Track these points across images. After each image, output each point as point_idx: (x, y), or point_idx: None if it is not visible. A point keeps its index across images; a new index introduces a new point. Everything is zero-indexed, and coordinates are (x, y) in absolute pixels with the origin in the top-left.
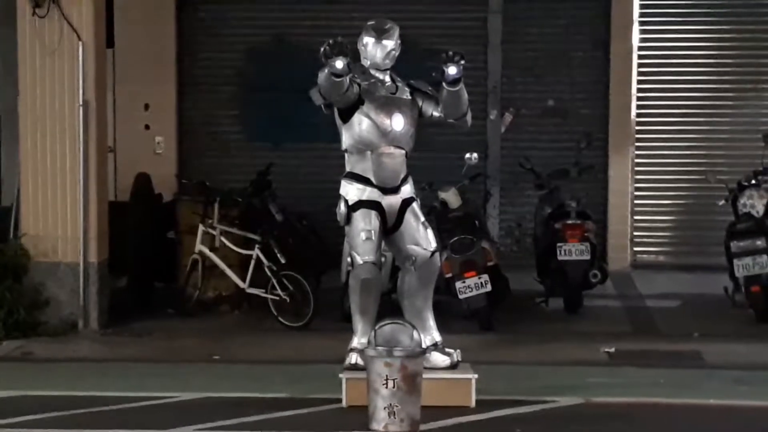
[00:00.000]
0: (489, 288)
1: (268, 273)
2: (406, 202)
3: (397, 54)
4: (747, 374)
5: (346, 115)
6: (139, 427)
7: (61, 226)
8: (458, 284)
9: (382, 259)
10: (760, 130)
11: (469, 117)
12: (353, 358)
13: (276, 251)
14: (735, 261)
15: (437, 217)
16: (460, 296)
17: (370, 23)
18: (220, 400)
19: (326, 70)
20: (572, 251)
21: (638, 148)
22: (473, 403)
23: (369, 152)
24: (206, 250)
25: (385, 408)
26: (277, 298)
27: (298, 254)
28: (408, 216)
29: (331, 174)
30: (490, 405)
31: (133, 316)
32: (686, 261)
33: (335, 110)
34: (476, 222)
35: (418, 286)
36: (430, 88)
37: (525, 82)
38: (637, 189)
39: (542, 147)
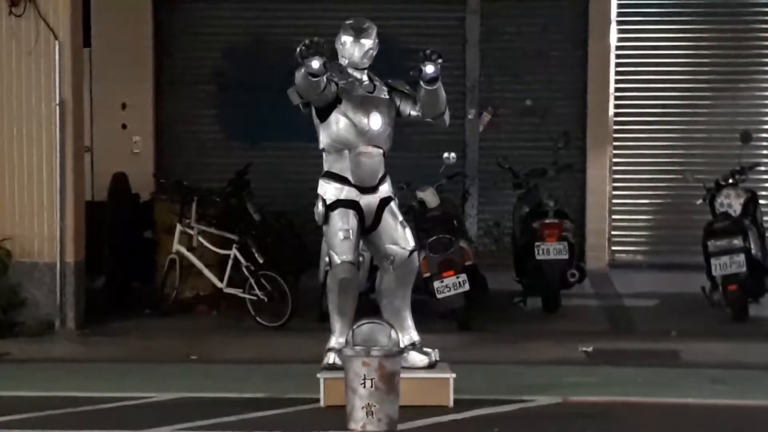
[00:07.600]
0: (467, 287)
1: (246, 273)
2: (384, 202)
3: (374, 53)
4: (724, 373)
5: (324, 115)
6: (117, 428)
7: (38, 226)
8: (436, 284)
9: (360, 259)
10: (737, 129)
11: (447, 116)
12: (331, 357)
13: (254, 251)
14: (712, 260)
15: (415, 216)
16: (439, 296)
17: (348, 22)
18: (198, 400)
19: (303, 70)
20: (550, 250)
21: (616, 147)
22: (451, 403)
23: (347, 151)
24: (184, 250)
25: (363, 408)
26: (255, 297)
27: (276, 254)
28: (386, 215)
29: (309, 173)
30: (469, 404)
31: (110, 316)
32: (664, 260)
33: (313, 109)
34: (454, 221)
35: (396, 285)
36: (407, 88)
37: (503, 81)
38: (615, 188)
39: (520, 146)
